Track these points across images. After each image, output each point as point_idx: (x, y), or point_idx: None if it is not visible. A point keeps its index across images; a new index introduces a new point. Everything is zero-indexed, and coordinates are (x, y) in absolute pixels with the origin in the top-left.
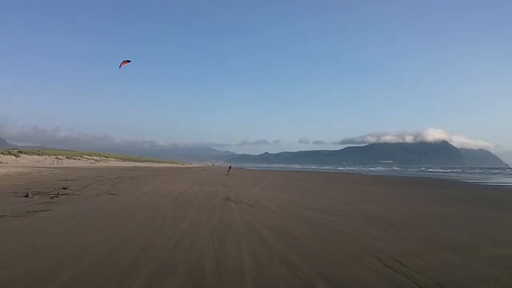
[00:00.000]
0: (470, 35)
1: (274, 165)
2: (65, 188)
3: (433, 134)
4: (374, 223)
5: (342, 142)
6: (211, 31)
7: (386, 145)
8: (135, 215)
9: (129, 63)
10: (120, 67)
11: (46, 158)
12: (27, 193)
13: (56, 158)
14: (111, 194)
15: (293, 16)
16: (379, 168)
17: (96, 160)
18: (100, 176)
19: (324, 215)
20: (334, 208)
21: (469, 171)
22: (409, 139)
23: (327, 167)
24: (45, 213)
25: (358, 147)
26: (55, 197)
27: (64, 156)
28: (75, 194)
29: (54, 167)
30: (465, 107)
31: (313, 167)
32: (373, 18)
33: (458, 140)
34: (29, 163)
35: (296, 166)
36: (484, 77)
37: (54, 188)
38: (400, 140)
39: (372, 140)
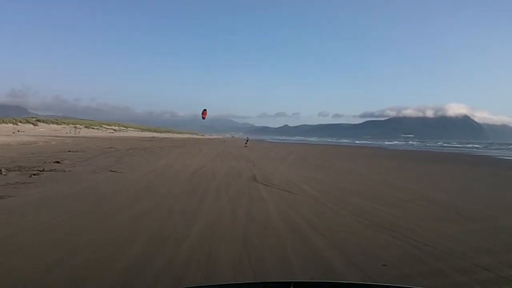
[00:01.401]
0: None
1: (294, 138)
2: (57, 162)
3: (455, 108)
4: (457, 220)
5: (362, 116)
6: (235, 6)
7: (406, 119)
8: (126, 208)
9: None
10: (204, 118)
11: (64, 127)
12: (0, 169)
13: (75, 127)
14: (111, 171)
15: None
16: (395, 142)
17: (115, 130)
18: (111, 147)
19: (384, 207)
20: (388, 194)
21: (503, 147)
22: (429, 113)
23: (345, 141)
24: (1, 201)
25: (378, 121)
26: (35, 174)
27: (83, 126)
28: (65, 171)
29: (69, 136)
30: (487, 82)
31: (331, 140)
32: None
33: (481, 116)
34: (47, 132)
35: (315, 139)
36: (508, 52)
37: (45, 162)
38: (420, 114)
39: (392, 114)
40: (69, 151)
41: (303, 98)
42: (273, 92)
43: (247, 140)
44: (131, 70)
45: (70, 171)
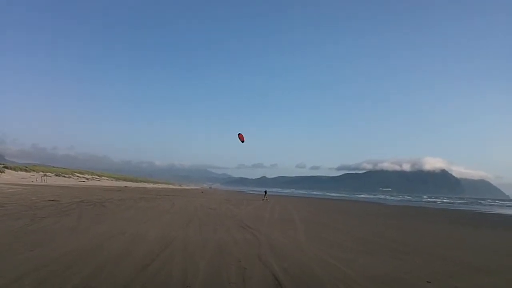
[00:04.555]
0: (473, 69)
1: (273, 189)
2: None
3: (431, 162)
4: None
5: (339, 168)
6: (212, 56)
7: (383, 172)
8: None
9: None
10: (243, 141)
11: (33, 175)
12: None
13: (45, 175)
14: None
15: (293, 45)
16: (388, 197)
17: (87, 179)
18: (53, 200)
19: None
20: None
21: (494, 203)
22: (406, 166)
23: (338, 194)
24: None
25: (355, 173)
26: None
27: (53, 174)
28: None
29: (32, 184)
30: (463, 136)
31: (323, 193)
32: (370, 48)
33: (458, 170)
34: (12, 180)
35: (314, 192)
36: (483, 108)
37: None
38: (397, 168)
39: (369, 167)
40: None
41: (281, 149)
42: (251, 143)
43: (265, 193)
44: (109, 119)
45: None
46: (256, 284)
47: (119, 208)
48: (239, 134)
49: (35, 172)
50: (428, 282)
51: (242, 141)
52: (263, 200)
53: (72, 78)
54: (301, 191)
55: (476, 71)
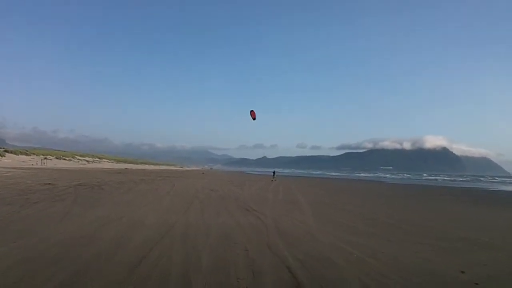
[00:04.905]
0: (479, 41)
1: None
2: None
3: (433, 140)
4: None
5: (339, 148)
6: (212, 36)
7: (384, 151)
8: None
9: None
10: (254, 119)
11: (33, 158)
12: None
13: (45, 158)
14: None
15: (294, 25)
16: (388, 175)
17: (88, 162)
18: (49, 183)
19: None
20: None
21: (494, 180)
22: (407, 145)
23: (338, 174)
24: None
25: (357, 152)
26: None
27: (54, 157)
28: None
29: (32, 168)
30: (465, 115)
31: (323, 172)
32: (375, 28)
33: (459, 148)
34: (12, 163)
35: (314, 172)
36: (484, 84)
37: None
38: (398, 146)
39: (369, 146)
40: None
41: (281, 129)
42: (252, 123)
43: (274, 174)
44: (110, 102)
45: None
46: (268, 281)
47: (118, 191)
48: (251, 111)
49: (36, 156)
50: (462, 272)
51: (254, 119)
52: (272, 180)
53: (72, 61)
54: (301, 171)
55: (480, 49)
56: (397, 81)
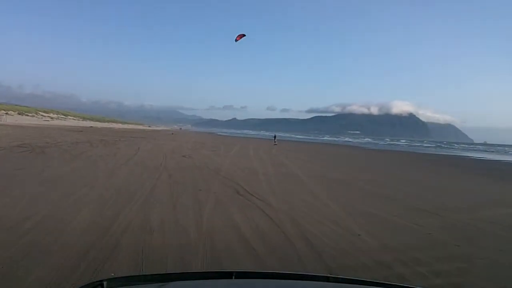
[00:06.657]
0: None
1: (243, 131)
2: None
3: (399, 106)
4: None
5: (308, 111)
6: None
7: (352, 115)
8: None
9: (244, 37)
10: (236, 40)
11: None
12: None
13: (6, 113)
14: None
15: None
16: (353, 139)
17: (51, 118)
18: None
19: None
20: None
21: (459, 146)
22: (374, 110)
23: (306, 137)
24: None
25: (325, 116)
26: None
27: (16, 112)
28: None
29: None
30: (431, 80)
31: (291, 136)
32: None
33: (425, 114)
34: None
35: (283, 134)
36: (450, 52)
37: None
38: (365, 111)
39: (337, 110)
40: None
41: (251, 92)
42: (221, 84)
43: (275, 138)
44: (78, 57)
45: None
46: None
47: (63, 156)
48: (241, 35)
49: None
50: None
51: (236, 40)
52: (274, 144)
53: (40, 13)
54: (269, 133)
55: (450, 13)
56: (366, 42)
